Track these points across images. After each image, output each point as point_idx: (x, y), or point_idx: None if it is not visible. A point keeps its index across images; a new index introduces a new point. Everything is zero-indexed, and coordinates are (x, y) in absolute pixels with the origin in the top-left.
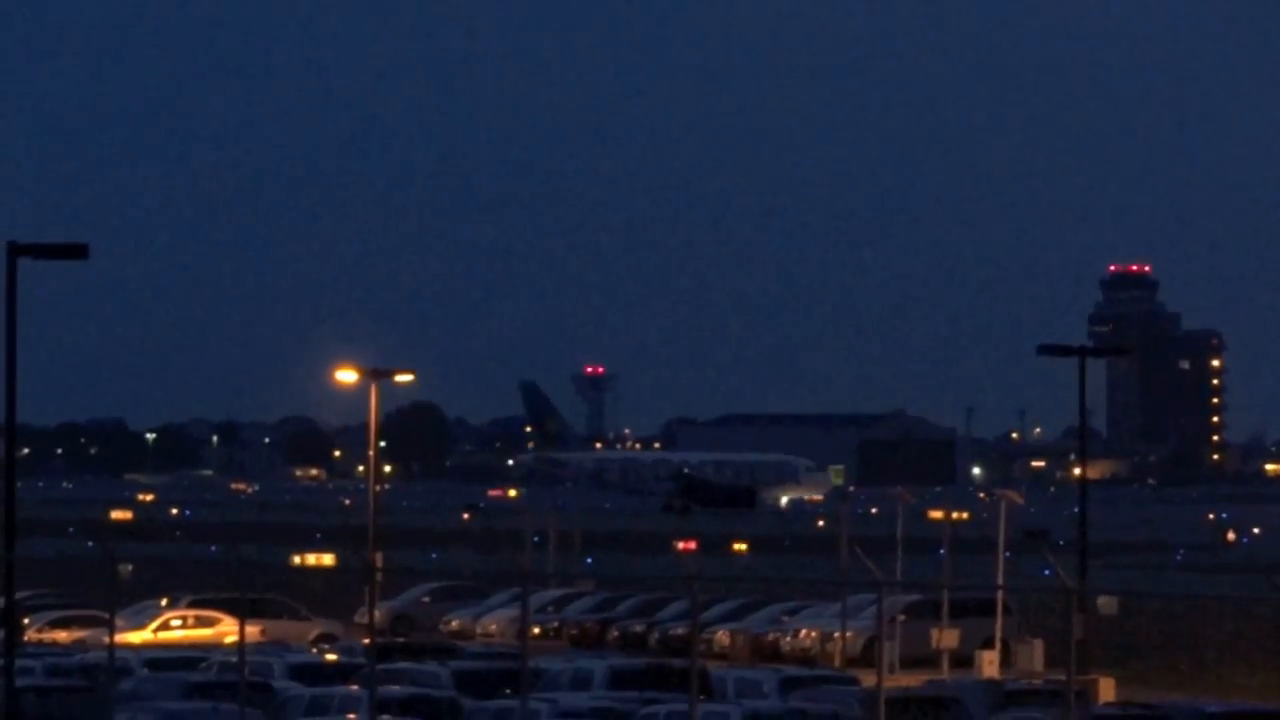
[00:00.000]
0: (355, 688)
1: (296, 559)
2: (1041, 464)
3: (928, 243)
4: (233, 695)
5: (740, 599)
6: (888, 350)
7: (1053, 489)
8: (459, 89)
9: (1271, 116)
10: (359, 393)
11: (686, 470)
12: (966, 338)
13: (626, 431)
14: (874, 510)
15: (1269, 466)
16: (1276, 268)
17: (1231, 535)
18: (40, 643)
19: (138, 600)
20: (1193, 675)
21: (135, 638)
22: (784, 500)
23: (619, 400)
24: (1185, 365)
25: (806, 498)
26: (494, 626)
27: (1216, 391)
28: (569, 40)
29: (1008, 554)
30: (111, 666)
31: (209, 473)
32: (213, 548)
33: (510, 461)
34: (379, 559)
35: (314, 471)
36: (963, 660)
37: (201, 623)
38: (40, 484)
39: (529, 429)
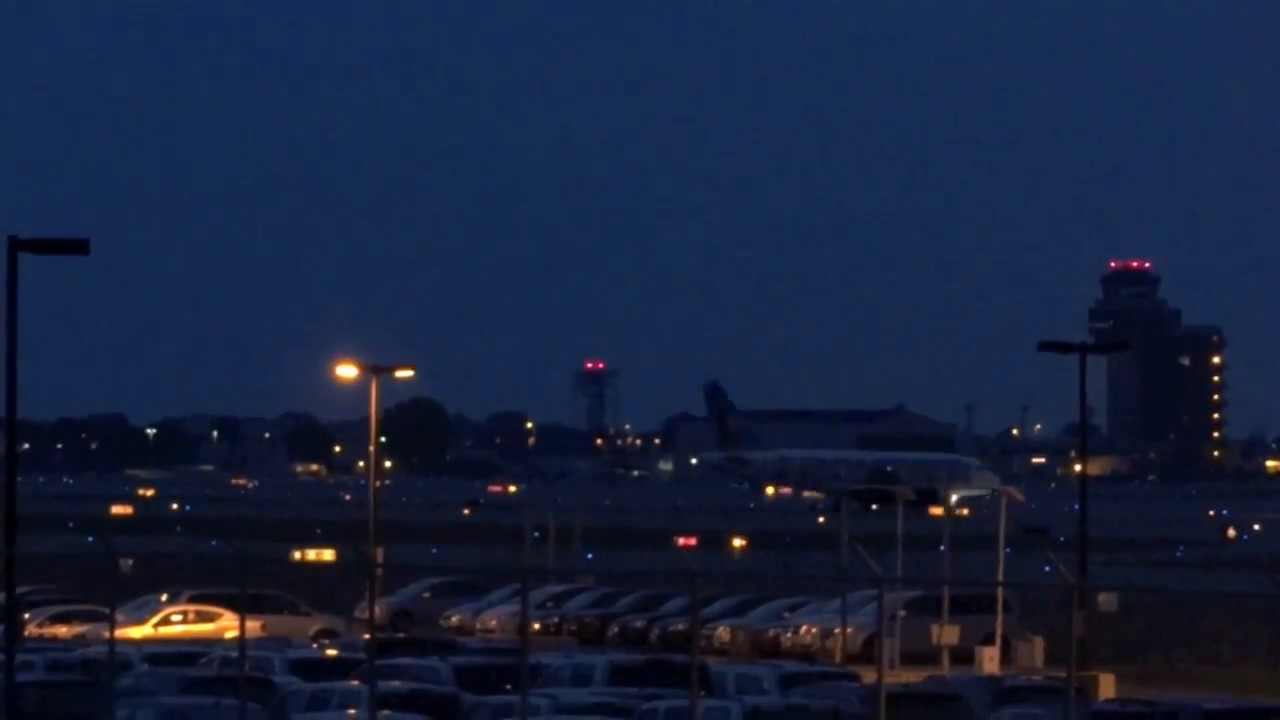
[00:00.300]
0: (356, 683)
1: (297, 554)
2: (1042, 460)
3: (929, 239)
4: (233, 690)
5: (741, 595)
6: (889, 346)
7: (1053, 485)
8: (460, 86)
9: (1273, 113)
10: (359, 388)
11: (889, 469)
12: (967, 334)
13: (627, 427)
14: (874, 506)
15: (1269, 463)
16: (1277, 265)
17: (1232, 532)
18: (41, 638)
19: (138, 595)
20: (1193, 672)
21: (136, 633)
22: (954, 498)
23: (619, 396)
24: (1186, 362)
25: (966, 495)
26: (494, 622)
27: (1217, 388)
28: (570, 38)
29: (1008, 550)
30: (112, 662)
31: (209, 468)
32: (213, 543)
33: (694, 460)
34: (379, 554)
35: (314, 467)
36: (963, 657)
37: (202, 618)
38: (40, 479)
39: (717, 426)
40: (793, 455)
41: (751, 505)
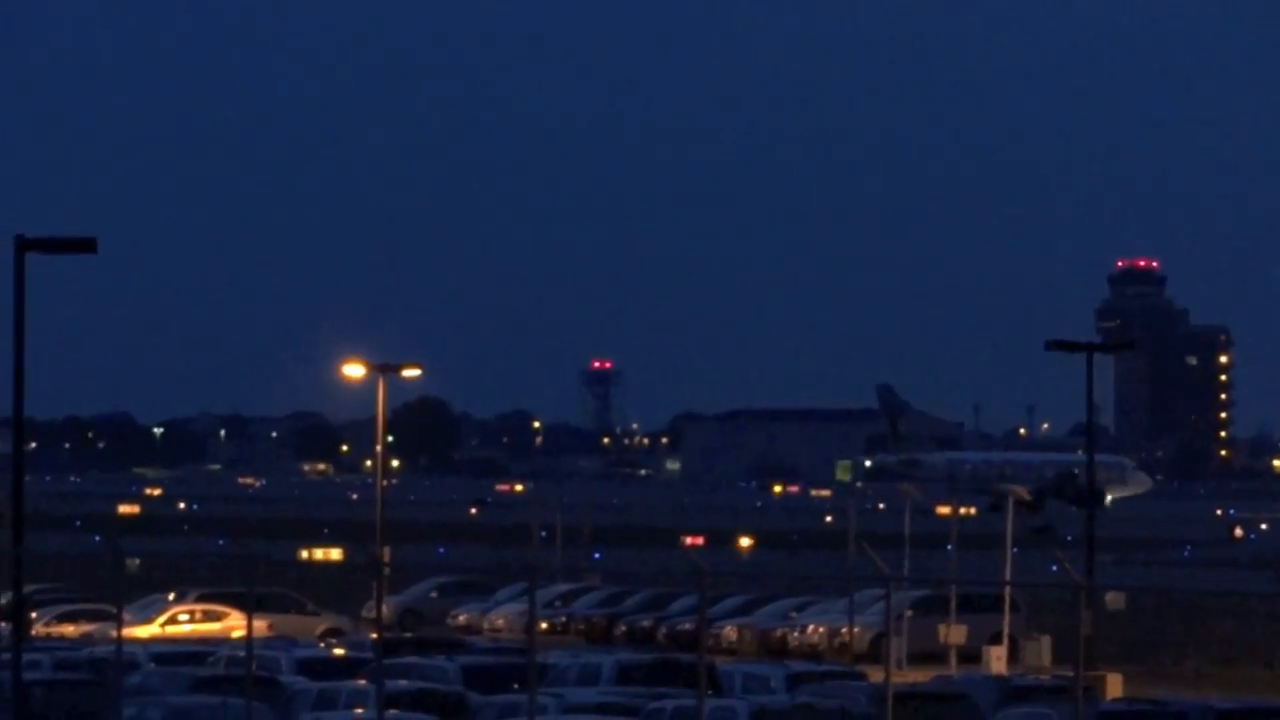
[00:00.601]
0: (363, 682)
1: (304, 554)
2: None
3: (935, 238)
4: (240, 689)
5: (748, 594)
6: (895, 345)
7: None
8: (466, 84)
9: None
10: (367, 387)
11: (1076, 471)
12: (974, 333)
13: (634, 426)
14: (881, 505)
15: (1276, 462)
16: None
17: (1239, 531)
18: (48, 637)
19: (145, 595)
20: (1200, 671)
21: (143, 632)
22: (1109, 499)
23: (625, 395)
24: (1193, 361)
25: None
26: (501, 621)
27: (1224, 387)
28: (576, 37)
29: (1015, 550)
30: (119, 661)
31: (216, 467)
32: (220, 542)
33: (868, 462)
34: (386, 554)
35: (321, 466)
36: (970, 656)
37: (209, 617)
38: (47, 478)
39: (890, 429)
40: (963, 458)
41: (925, 510)
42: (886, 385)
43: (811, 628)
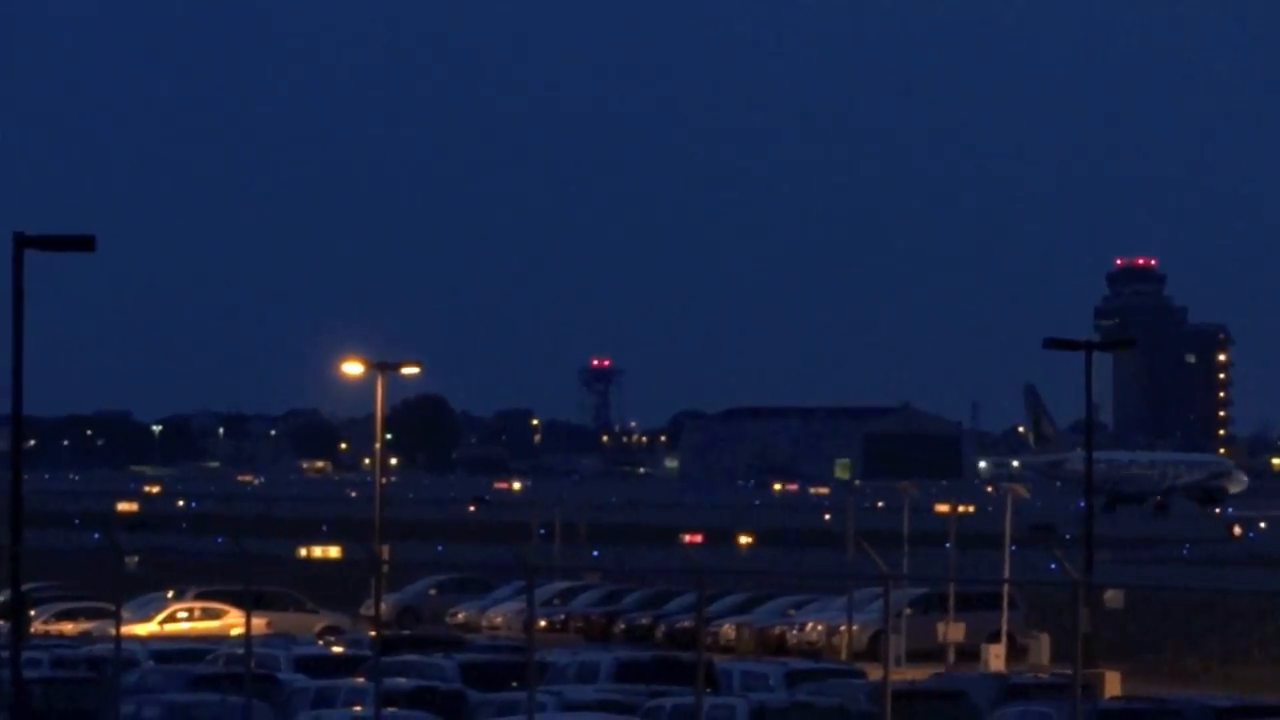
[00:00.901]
0: (361, 680)
1: (303, 551)
2: None
3: (934, 237)
4: (239, 687)
5: (747, 592)
6: (894, 344)
7: (1058, 483)
8: (467, 84)
9: (1279, 111)
10: (365, 385)
11: (1228, 471)
12: (972, 331)
13: (633, 424)
14: (880, 504)
15: (1275, 461)
16: None
17: (1238, 529)
18: (47, 634)
19: (144, 592)
20: (1199, 669)
21: (141, 630)
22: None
23: (624, 393)
24: (1192, 359)
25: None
26: (500, 619)
27: (1223, 385)
28: (577, 36)
29: (1014, 548)
30: (118, 658)
31: (215, 465)
32: (219, 540)
33: (1015, 463)
34: (385, 551)
35: (320, 464)
36: (969, 654)
37: (207, 615)
38: (46, 475)
39: (1032, 431)
40: (1096, 458)
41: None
42: (1031, 386)
43: (810, 625)
